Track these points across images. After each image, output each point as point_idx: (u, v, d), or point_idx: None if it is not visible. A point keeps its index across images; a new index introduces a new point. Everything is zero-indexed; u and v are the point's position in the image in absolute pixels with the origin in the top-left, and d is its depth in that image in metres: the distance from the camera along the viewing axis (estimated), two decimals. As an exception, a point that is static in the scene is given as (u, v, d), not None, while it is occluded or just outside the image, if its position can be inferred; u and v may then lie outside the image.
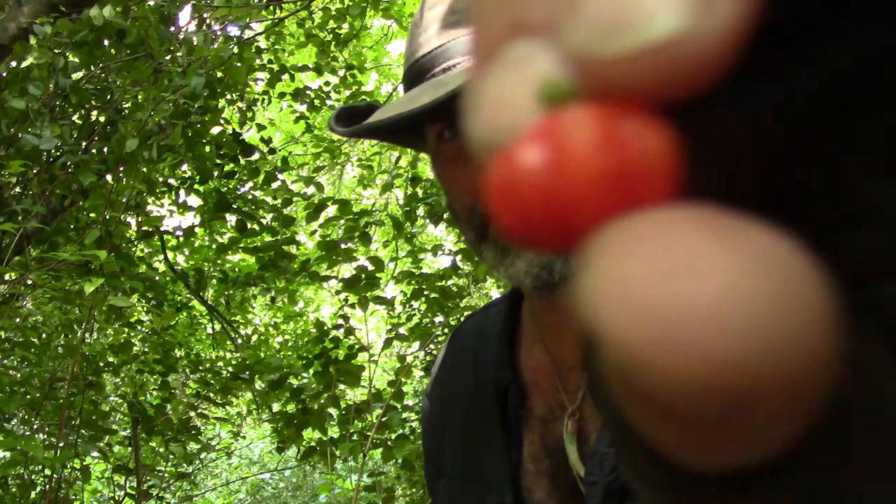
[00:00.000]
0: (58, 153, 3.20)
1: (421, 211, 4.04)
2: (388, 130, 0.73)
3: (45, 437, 3.53)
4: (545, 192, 0.15)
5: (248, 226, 3.81)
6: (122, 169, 3.22)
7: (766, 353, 0.12)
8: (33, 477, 3.45)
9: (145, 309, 4.47)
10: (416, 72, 0.74)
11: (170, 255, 4.81)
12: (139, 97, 3.44)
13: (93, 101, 3.51)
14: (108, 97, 3.55)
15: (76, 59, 3.39)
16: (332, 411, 3.50)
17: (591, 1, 0.13)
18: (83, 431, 3.37)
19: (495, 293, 4.85)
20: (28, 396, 3.36)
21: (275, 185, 3.91)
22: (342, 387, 3.52)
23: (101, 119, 3.55)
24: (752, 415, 0.13)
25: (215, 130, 3.84)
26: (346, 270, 3.75)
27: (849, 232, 0.17)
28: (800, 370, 0.13)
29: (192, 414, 4.01)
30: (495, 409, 0.80)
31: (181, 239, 4.46)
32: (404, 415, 3.44)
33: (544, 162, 0.15)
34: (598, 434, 0.69)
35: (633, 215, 0.14)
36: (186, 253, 5.12)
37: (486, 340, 0.85)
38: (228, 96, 4.11)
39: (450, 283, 3.87)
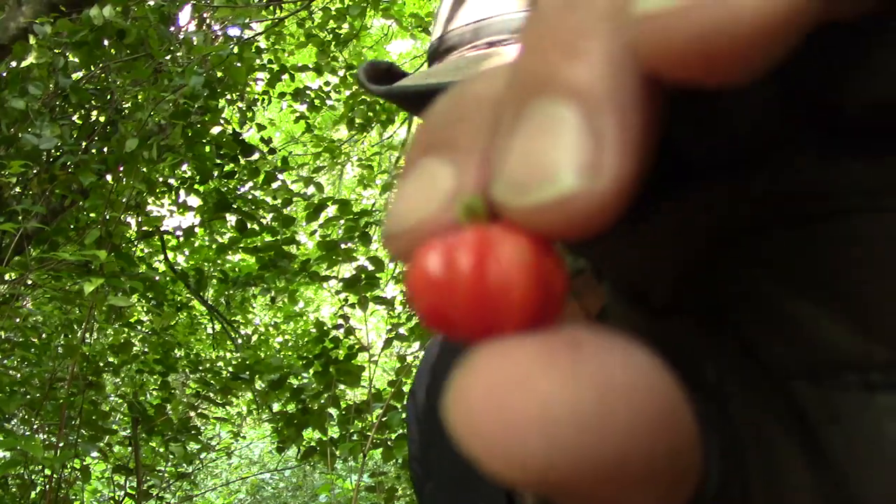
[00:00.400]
0: (58, 153, 3.20)
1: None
2: (422, 97, 0.73)
3: (45, 437, 3.53)
4: (440, 297, 0.17)
5: (248, 226, 3.81)
6: (122, 169, 3.22)
7: (586, 458, 0.14)
8: (33, 477, 3.45)
9: (145, 309, 4.47)
10: (455, 42, 0.78)
11: (170, 255, 4.81)
12: (139, 97, 3.44)
13: (93, 101, 3.51)
14: (108, 97, 3.55)
15: (76, 59, 3.39)
16: (332, 411, 3.50)
17: (510, 158, 0.16)
18: (83, 431, 3.37)
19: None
20: (28, 396, 3.36)
21: (275, 185, 3.91)
22: (342, 387, 3.52)
23: (101, 119, 3.55)
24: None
25: (215, 130, 3.84)
26: (346, 270, 3.75)
27: (765, 337, 0.19)
28: (635, 470, 0.15)
29: (192, 414, 4.01)
30: None
31: (181, 239, 4.46)
32: (404, 415, 3.43)
33: (442, 271, 0.17)
34: None
35: (496, 338, 0.16)
36: (186, 253, 5.12)
37: None
38: (228, 96, 4.11)
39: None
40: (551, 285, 0.16)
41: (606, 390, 0.15)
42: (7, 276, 3.10)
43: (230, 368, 4.00)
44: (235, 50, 3.66)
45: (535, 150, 0.16)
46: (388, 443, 3.34)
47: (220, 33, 4.36)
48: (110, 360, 3.68)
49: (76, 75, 3.50)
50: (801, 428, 0.18)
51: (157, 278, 4.05)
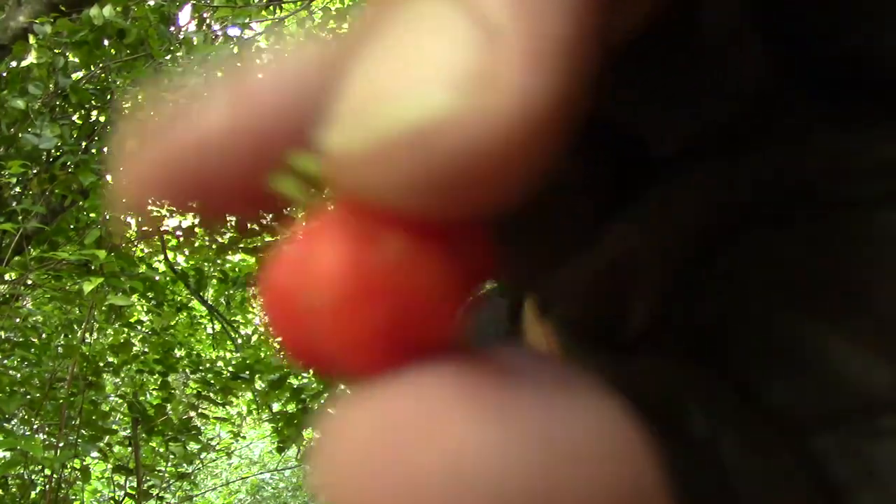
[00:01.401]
0: (58, 153, 3.20)
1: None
2: None
3: (45, 437, 3.53)
4: (283, 319, 0.12)
5: (248, 226, 3.81)
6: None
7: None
8: (33, 477, 3.45)
9: (145, 309, 4.47)
10: None
11: (170, 255, 4.80)
12: (139, 97, 3.44)
13: (93, 101, 3.51)
14: (108, 97, 3.55)
15: (76, 59, 3.39)
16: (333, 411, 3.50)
17: (352, 85, 0.10)
18: (83, 431, 3.37)
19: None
20: (28, 396, 3.36)
21: (275, 185, 3.91)
22: (342, 386, 3.52)
23: (101, 119, 3.54)
24: None
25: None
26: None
27: (767, 375, 0.14)
28: None
29: (193, 414, 4.01)
30: None
31: (181, 239, 4.45)
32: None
33: (281, 282, 0.12)
34: None
35: (381, 377, 0.12)
36: (186, 253, 5.12)
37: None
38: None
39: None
40: (415, 299, 0.11)
41: (550, 451, 0.10)
42: (7, 276, 3.10)
43: (230, 368, 4.00)
44: (235, 50, 3.66)
45: (388, 65, 0.10)
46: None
47: (220, 33, 4.36)
48: (110, 360, 3.68)
49: (76, 75, 3.50)
50: (826, 490, 0.13)
51: (157, 278, 4.04)
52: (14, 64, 3.30)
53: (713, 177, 0.14)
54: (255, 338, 5.94)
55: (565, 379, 0.12)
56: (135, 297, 3.53)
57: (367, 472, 0.10)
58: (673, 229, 0.15)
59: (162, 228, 4.20)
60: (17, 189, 3.41)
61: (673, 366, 0.15)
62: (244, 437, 7.12)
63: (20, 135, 3.07)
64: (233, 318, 5.39)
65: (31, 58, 3.16)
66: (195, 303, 4.99)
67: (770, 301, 0.14)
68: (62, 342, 3.61)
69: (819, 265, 0.13)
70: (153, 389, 4.16)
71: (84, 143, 3.36)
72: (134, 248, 4.12)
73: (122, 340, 3.78)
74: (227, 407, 4.43)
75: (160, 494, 4.07)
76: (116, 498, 4.09)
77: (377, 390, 0.11)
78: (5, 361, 3.59)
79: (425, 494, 0.10)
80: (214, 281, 4.54)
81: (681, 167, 0.15)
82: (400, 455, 0.10)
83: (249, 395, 4.75)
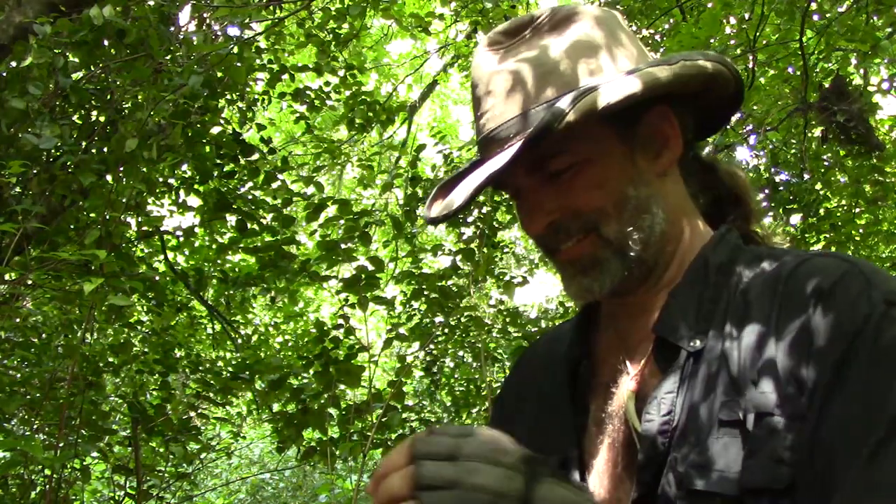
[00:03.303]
0: (58, 153, 3.20)
1: (421, 211, 4.04)
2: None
3: (45, 437, 3.53)
4: None
5: (248, 226, 3.81)
6: (122, 169, 3.22)
7: None
8: (33, 477, 3.45)
9: (145, 309, 4.47)
10: (489, 141, 0.90)
11: (170, 255, 4.80)
12: (139, 97, 3.44)
13: (93, 101, 3.51)
14: (108, 97, 3.55)
15: (76, 59, 3.39)
16: (332, 411, 3.50)
17: None
18: (83, 431, 3.37)
19: (495, 293, 4.85)
20: (28, 396, 3.36)
21: (275, 185, 3.91)
22: (342, 387, 3.52)
23: (101, 119, 3.55)
24: None
25: (215, 130, 3.84)
26: (346, 270, 3.75)
27: None
28: None
29: (192, 414, 4.01)
30: (566, 383, 0.94)
31: (181, 239, 4.46)
32: (404, 415, 3.44)
33: None
34: (656, 385, 0.83)
35: None
36: (186, 253, 5.12)
37: (562, 340, 1.00)
38: (228, 96, 4.11)
39: (450, 283, 3.87)
40: None
41: None
42: (7, 276, 3.10)
43: (230, 368, 4.00)
44: (235, 50, 3.66)
45: None
46: (388, 443, 3.34)
47: (219, 33, 4.36)
48: (110, 360, 3.68)
49: (76, 75, 3.50)
50: None
51: (157, 278, 4.04)
52: (14, 64, 3.30)
53: None
54: (255, 338, 5.94)
55: None
56: (135, 297, 3.53)
57: None
58: None
59: (162, 228, 4.21)
60: (17, 189, 3.41)
61: None
62: (244, 437, 7.12)
63: (20, 135, 3.07)
64: (233, 318, 5.39)
65: (31, 58, 3.16)
66: (195, 303, 4.99)
67: None
68: (62, 342, 3.61)
69: None
70: (153, 389, 4.16)
71: (84, 143, 3.36)
72: (134, 248, 4.12)
73: (122, 340, 3.78)
74: (227, 407, 4.43)
75: (160, 494, 4.07)
76: (116, 498, 4.09)
77: None
78: (5, 361, 3.59)
79: None
80: (214, 281, 4.54)
81: None
82: None
83: (249, 395, 4.75)
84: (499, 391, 1.14)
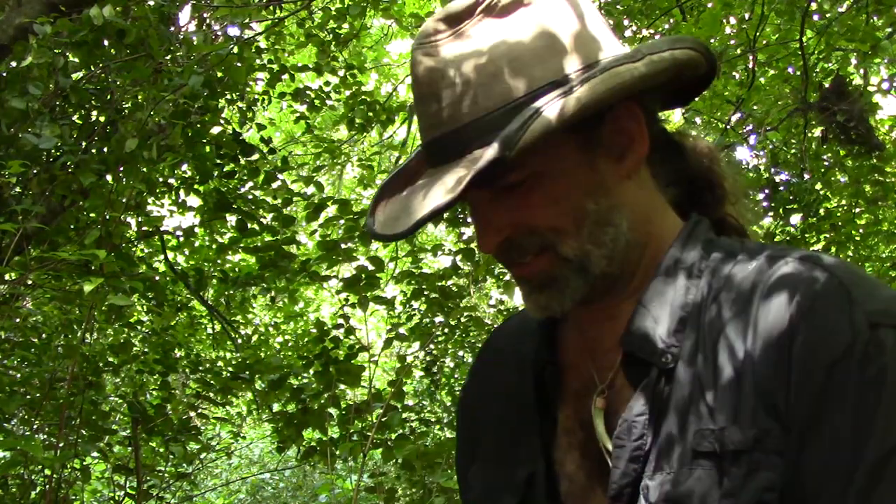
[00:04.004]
0: (58, 153, 3.20)
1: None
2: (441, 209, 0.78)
3: (45, 437, 3.53)
4: None
5: (248, 226, 3.81)
6: (122, 169, 3.22)
7: None
8: (33, 477, 3.45)
9: (145, 309, 4.47)
10: (441, 146, 0.80)
11: (170, 255, 4.80)
12: (139, 97, 3.44)
13: (93, 101, 3.51)
14: (108, 97, 3.55)
15: (76, 59, 3.39)
16: (332, 411, 3.50)
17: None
18: (83, 431, 3.37)
19: (495, 293, 4.85)
20: (28, 396, 3.36)
21: (275, 185, 3.91)
22: (342, 387, 3.52)
23: (101, 119, 3.55)
24: None
25: (215, 130, 3.84)
26: (346, 270, 3.75)
27: None
28: None
29: (192, 414, 4.01)
30: (532, 388, 0.89)
31: (181, 239, 4.46)
32: (404, 415, 3.44)
33: None
34: (628, 405, 0.77)
35: None
36: (186, 253, 5.12)
37: (528, 334, 0.93)
38: (228, 96, 4.11)
39: (450, 283, 3.87)
40: None
41: None
42: (7, 276, 3.10)
43: (230, 368, 4.00)
44: (235, 50, 3.66)
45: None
46: (388, 443, 3.34)
47: (220, 33, 4.36)
48: (110, 360, 3.68)
49: (76, 75, 3.50)
50: None
51: (157, 278, 4.04)
52: (14, 64, 3.30)
53: None
54: (255, 338, 5.94)
55: None
56: (135, 297, 3.53)
57: None
58: None
59: (162, 228, 4.21)
60: (17, 189, 3.41)
61: None
62: (244, 437, 7.12)
63: (20, 135, 3.07)
64: (233, 318, 5.39)
65: (31, 58, 3.15)
66: (195, 303, 4.99)
67: None
68: (62, 342, 3.61)
69: None
70: (153, 389, 4.16)
71: (84, 143, 3.36)
72: (134, 248, 4.12)
73: (122, 340, 3.78)
74: (227, 407, 4.43)
75: (160, 494, 4.07)
76: (116, 498, 4.09)
77: None
78: (5, 361, 3.59)
79: None
80: (214, 281, 4.54)
81: None
82: None
83: (249, 395, 4.75)
84: (461, 392, 1.07)
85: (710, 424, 0.71)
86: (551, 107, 0.72)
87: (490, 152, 0.72)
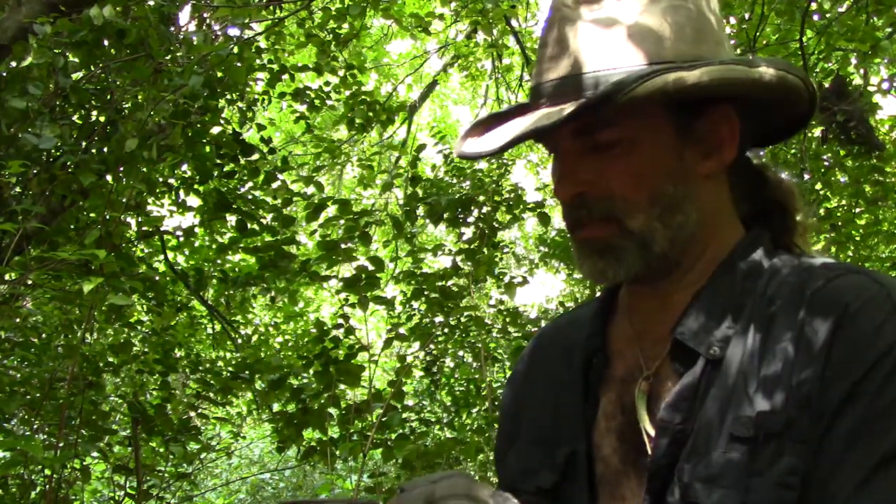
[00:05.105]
0: (58, 153, 3.20)
1: (421, 211, 4.04)
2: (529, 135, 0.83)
3: (45, 437, 3.53)
4: None
5: (248, 226, 3.81)
6: (122, 169, 3.22)
7: None
8: (33, 477, 3.45)
9: (145, 309, 4.47)
10: (545, 90, 0.85)
11: (170, 255, 4.80)
12: (139, 97, 3.44)
13: (93, 101, 3.51)
14: (108, 97, 3.55)
15: (76, 59, 3.39)
16: (332, 411, 3.50)
17: None
18: (83, 431, 3.37)
19: (495, 293, 4.85)
20: (28, 396, 3.36)
21: (275, 185, 3.91)
22: (342, 387, 3.52)
23: (101, 119, 3.55)
24: None
25: (215, 130, 3.84)
26: (346, 270, 3.75)
27: None
28: None
29: (192, 414, 4.01)
30: (580, 373, 0.92)
31: (181, 239, 4.46)
32: (404, 415, 3.44)
33: None
34: (673, 390, 0.81)
35: None
36: (186, 253, 5.12)
37: (579, 325, 0.97)
38: (228, 96, 4.11)
39: (450, 283, 3.87)
40: None
41: None
42: (7, 276, 3.10)
43: (230, 368, 4.00)
44: (235, 50, 3.66)
45: None
46: (388, 443, 3.33)
47: (220, 33, 4.36)
48: (110, 360, 3.68)
49: (76, 75, 3.50)
50: None
51: (157, 278, 4.04)
52: (14, 64, 3.30)
53: None
54: (255, 338, 5.94)
55: None
56: (135, 297, 3.53)
57: None
58: None
59: (162, 228, 4.21)
60: (17, 189, 3.41)
61: None
62: (244, 437, 7.12)
63: (20, 135, 3.07)
64: (233, 318, 5.39)
65: (31, 58, 3.16)
66: (195, 303, 4.99)
67: None
68: (62, 342, 3.61)
69: None
70: (153, 389, 4.16)
71: (84, 143, 3.36)
72: (134, 248, 4.12)
73: (122, 340, 3.78)
74: (227, 407, 4.43)
75: (160, 494, 4.07)
76: (116, 498, 4.09)
77: None
78: (5, 361, 3.59)
79: None
80: (214, 281, 4.54)
81: None
82: None
83: (249, 395, 4.75)
84: (509, 376, 1.11)
85: (749, 412, 0.74)
86: (670, 73, 0.76)
87: (602, 90, 0.76)
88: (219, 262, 4.82)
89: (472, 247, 3.92)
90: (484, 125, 0.89)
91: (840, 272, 0.79)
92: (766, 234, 0.88)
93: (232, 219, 3.94)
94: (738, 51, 4.82)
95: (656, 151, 0.82)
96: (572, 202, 0.84)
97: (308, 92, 4.79)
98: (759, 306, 0.80)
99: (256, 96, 4.68)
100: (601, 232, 0.83)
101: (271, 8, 4.38)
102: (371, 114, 4.74)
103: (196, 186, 4.01)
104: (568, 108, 0.78)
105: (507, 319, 4.56)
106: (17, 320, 3.37)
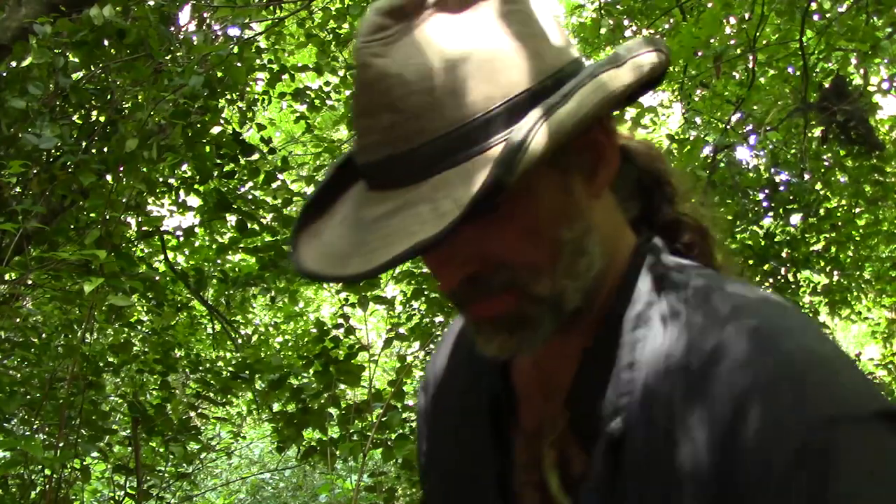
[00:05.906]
0: (58, 153, 3.20)
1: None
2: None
3: (45, 437, 3.53)
4: None
5: (248, 226, 3.81)
6: (122, 169, 3.22)
7: None
8: (33, 477, 3.45)
9: (145, 309, 4.47)
10: (394, 162, 0.67)
11: (170, 255, 4.81)
12: (139, 97, 3.44)
13: (93, 101, 3.51)
14: (108, 97, 3.55)
15: (76, 59, 3.39)
16: (332, 411, 3.50)
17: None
18: (83, 431, 3.37)
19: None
20: (28, 396, 3.36)
21: (275, 185, 3.91)
22: (342, 387, 3.52)
23: (101, 119, 3.55)
24: None
25: (215, 130, 3.85)
26: (346, 270, 3.74)
27: None
28: None
29: (192, 414, 4.01)
30: (487, 416, 0.81)
31: (181, 239, 4.46)
32: (404, 415, 3.44)
33: None
34: (581, 472, 0.71)
35: None
36: (186, 253, 5.12)
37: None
38: (228, 96, 4.11)
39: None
40: None
41: None
42: (7, 276, 3.10)
43: (230, 368, 4.00)
44: (235, 50, 3.66)
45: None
46: (388, 443, 3.34)
47: (220, 33, 4.36)
48: (110, 360, 3.68)
49: (76, 75, 3.50)
50: None
51: (157, 278, 4.05)
52: (14, 64, 3.31)
53: None
54: (255, 338, 5.95)
55: None
56: (135, 297, 3.53)
57: None
58: None
59: (162, 228, 4.21)
60: (17, 189, 3.41)
61: None
62: (244, 437, 7.12)
63: (20, 135, 3.07)
64: (233, 318, 5.40)
65: (31, 58, 3.16)
66: (195, 303, 4.99)
67: None
68: (62, 342, 3.61)
69: None
70: (153, 389, 4.16)
71: (84, 143, 3.36)
72: (134, 248, 4.12)
73: (122, 340, 3.78)
74: (227, 407, 4.43)
75: (160, 494, 4.08)
76: (116, 498, 4.09)
77: None
78: (5, 361, 3.59)
79: None
80: (214, 281, 4.54)
81: None
82: None
83: (249, 395, 4.75)
84: (422, 375, 0.97)
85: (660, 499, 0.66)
86: (547, 119, 0.61)
87: (489, 180, 0.60)
88: (219, 262, 4.82)
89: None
90: (317, 216, 0.73)
91: (736, 327, 0.65)
92: (653, 245, 0.76)
93: (232, 219, 3.94)
94: (738, 51, 4.82)
95: (543, 199, 0.67)
96: (460, 287, 0.69)
97: (308, 92, 4.79)
98: (653, 369, 0.69)
99: (256, 96, 4.69)
100: (506, 307, 0.69)
101: (271, 8, 4.38)
102: (371, 114, 4.74)
103: (196, 186, 4.01)
104: (436, 202, 0.62)
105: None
106: (17, 320, 3.37)
